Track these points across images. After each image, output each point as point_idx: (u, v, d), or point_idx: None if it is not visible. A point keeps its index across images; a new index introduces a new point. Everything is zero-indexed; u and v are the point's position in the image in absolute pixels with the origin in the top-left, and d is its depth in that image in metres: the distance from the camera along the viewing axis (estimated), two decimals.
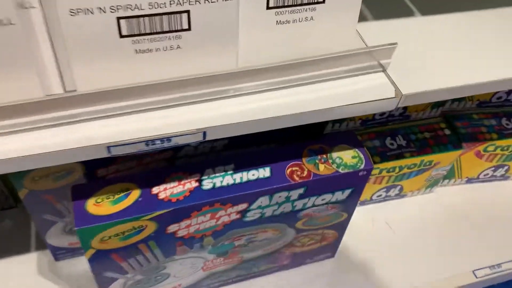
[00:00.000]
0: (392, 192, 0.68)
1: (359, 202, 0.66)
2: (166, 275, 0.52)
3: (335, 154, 0.49)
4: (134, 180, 0.45)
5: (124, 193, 0.43)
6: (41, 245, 0.60)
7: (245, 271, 0.58)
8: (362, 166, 0.48)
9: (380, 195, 0.68)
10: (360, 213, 0.68)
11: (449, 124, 0.67)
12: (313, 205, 0.51)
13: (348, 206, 0.53)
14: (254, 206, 0.47)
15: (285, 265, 0.61)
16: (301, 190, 0.47)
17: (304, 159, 0.48)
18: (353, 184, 0.50)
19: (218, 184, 0.45)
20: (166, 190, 0.44)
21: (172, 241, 0.47)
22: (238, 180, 0.46)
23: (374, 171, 0.62)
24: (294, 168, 0.47)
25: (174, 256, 0.50)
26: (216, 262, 0.54)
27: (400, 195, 0.70)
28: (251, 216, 0.48)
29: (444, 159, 0.65)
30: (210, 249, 0.51)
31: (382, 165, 0.61)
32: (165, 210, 0.43)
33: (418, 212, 0.70)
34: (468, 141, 0.66)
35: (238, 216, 0.47)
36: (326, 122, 0.58)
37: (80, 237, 0.41)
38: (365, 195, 0.67)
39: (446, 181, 0.73)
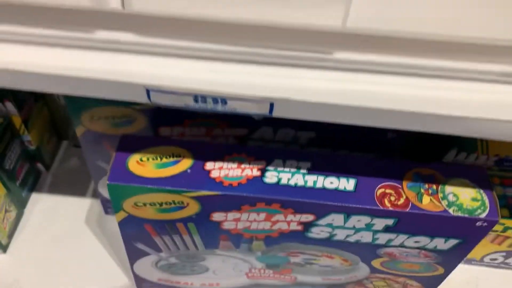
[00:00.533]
0: None
1: (464, 261, 0.52)
2: (205, 268, 0.45)
3: (449, 188, 0.37)
4: (190, 147, 0.37)
5: (173, 159, 0.36)
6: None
7: None
8: (484, 215, 0.35)
9: (495, 259, 0.53)
10: (461, 272, 0.54)
11: None
12: (401, 245, 0.39)
13: (448, 261, 0.40)
14: (322, 222, 0.37)
15: None
16: (389, 222, 0.36)
17: (405, 183, 0.37)
18: (463, 235, 0.37)
19: (284, 181, 0.36)
20: (221, 170, 0.36)
21: (215, 231, 0.39)
22: (310, 184, 0.36)
23: (497, 227, 0.47)
24: (388, 191, 0.36)
25: (216, 250, 0.42)
26: (264, 273, 0.45)
27: None
28: (316, 233, 0.38)
29: None
30: (259, 256, 0.42)
31: (510, 222, 0.46)
32: (213, 193, 0.35)
33: None
34: None
35: (300, 228, 0.38)
36: (449, 146, 0.45)
37: (111, 194, 0.36)
38: (474, 253, 0.52)
39: None
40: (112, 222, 0.55)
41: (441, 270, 0.42)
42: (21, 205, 0.54)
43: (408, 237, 0.37)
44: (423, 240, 0.38)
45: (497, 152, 0.47)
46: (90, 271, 0.51)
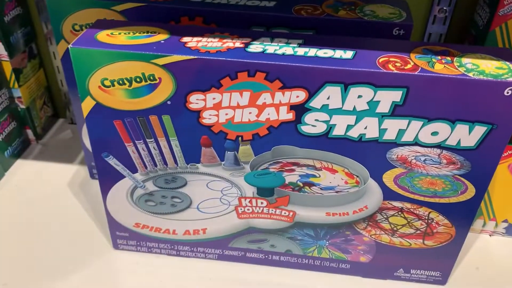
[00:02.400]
0: None
1: (506, 227, 0.43)
2: (187, 199, 0.38)
3: (467, 59, 0.31)
4: (170, 28, 0.34)
5: (148, 33, 0.33)
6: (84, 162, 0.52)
7: (299, 248, 0.40)
8: None
9: None
10: (504, 245, 0.44)
11: None
12: (416, 141, 0.32)
13: (479, 169, 0.32)
14: (316, 102, 0.31)
15: (363, 266, 0.40)
16: (397, 96, 0.30)
17: (413, 55, 0.31)
18: (490, 114, 0.30)
19: (270, 51, 0.31)
20: (199, 42, 0.32)
21: (195, 129, 0.33)
22: (300, 53, 0.31)
23: None
24: (392, 59, 0.31)
25: (198, 166, 0.36)
26: (256, 205, 0.37)
27: None
28: (311, 124, 0.32)
29: None
30: (249, 174, 0.36)
31: None
32: (187, 57, 0.30)
33: None
34: None
35: (291, 116, 0.32)
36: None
37: (75, 65, 0.31)
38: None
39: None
40: (97, 186, 0.50)
41: (471, 190, 0.34)
42: (2, 166, 0.50)
43: (422, 125, 0.31)
44: (442, 130, 0.31)
45: None
46: (67, 232, 0.44)
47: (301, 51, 0.31)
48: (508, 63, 0.30)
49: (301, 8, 0.38)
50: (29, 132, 0.54)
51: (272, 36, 0.33)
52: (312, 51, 0.31)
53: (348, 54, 0.31)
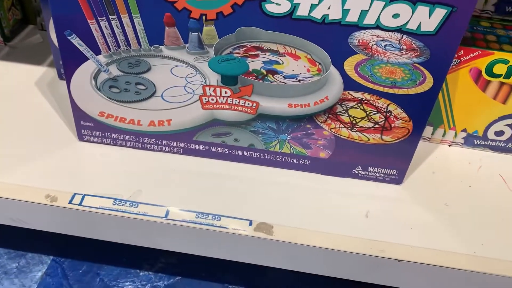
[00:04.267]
0: None
1: (465, 137, 0.44)
2: (151, 86, 0.38)
3: None
4: None
5: None
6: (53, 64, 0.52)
7: (262, 143, 0.40)
8: None
9: (501, 133, 0.44)
10: (461, 155, 0.46)
11: None
12: (378, 24, 0.32)
13: (437, 57, 0.33)
14: None
15: (322, 163, 0.41)
16: None
17: None
18: None
19: None
20: None
21: (158, 5, 0.32)
22: None
23: (499, 69, 0.39)
24: None
25: (162, 48, 0.36)
26: (220, 95, 0.38)
27: None
28: (275, 2, 0.32)
29: None
30: (213, 60, 0.36)
31: None
32: None
33: None
34: None
35: None
36: None
37: None
38: (477, 123, 0.44)
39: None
40: (65, 87, 0.49)
41: (429, 81, 0.35)
42: None
43: (384, 5, 0.31)
44: (403, 11, 0.31)
45: None
46: (34, 127, 0.44)
47: None
48: None
49: None
50: None
51: None
52: None
53: None
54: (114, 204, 0.37)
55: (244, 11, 0.33)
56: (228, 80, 0.37)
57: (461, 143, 0.46)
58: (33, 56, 0.53)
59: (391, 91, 0.36)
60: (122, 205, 0.37)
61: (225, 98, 0.38)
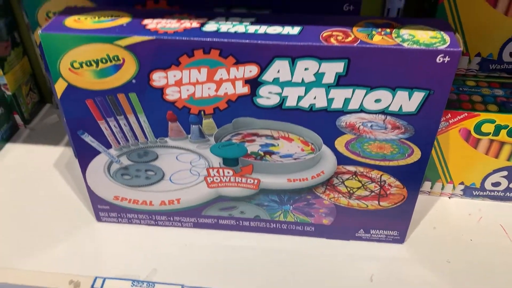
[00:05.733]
0: None
1: (463, 189, 0.46)
2: (159, 172, 0.41)
3: (405, 30, 0.33)
4: (131, 11, 0.36)
5: (112, 17, 0.35)
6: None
7: (267, 214, 0.43)
8: (444, 47, 0.31)
9: (498, 185, 0.46)
10: (461, 206, 0.47)
11: None
12: (362, 108, 0.35)
13: (421, 132, 0.35)
14: (268, 76, 0.33)
15: (326, 229, 0.43)
16: (339, 66, 0.32)
17: (355, 28, 0.34)
18: (426, 80, 0.32)
19: (223, 29, 0.34)
20: (158, 24, 0.34)
21: (160, 105, 0.36)
22: (251, 31, 0.33)
23: (487, 128, 0.42)
24: (335, 33, 0.33)
25: (167, 140, 0.39)
26: (223, 175, 0.40)
27: None
28: (265, 97, 0.35)
29: None
30: (214, 146, 0.38)
31: (500, 118, 0.41)
32: (146, 38, 0.33)
33: None
34: None
35: (246, 90, 0.35)
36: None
37: (46, 49, 0.34)
38: (473, 176, 0.45)
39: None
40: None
41: (417, 153, 0.37)
42: None
43: (366, 93, 0.34)
44: (384, 97, 0.34)
45: (478, 50, 0.44)
46: (54, 208, 0.47)
47: (252, 28, 0.34)
48: (442, 32, 0.33)
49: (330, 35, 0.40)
50: (17, 117, 0.57)
51: (227, 15, 0.35)
52: (262, 29, 0.34)
53: (295, 30, 0.33)
54: (132, 286, 0.40)
55: (238, 105, 0.35)
56: (229, 162, 0.40)
57: (461, 195, 0.47)
58: (51, 136, 0.57)
59: (382, 163, 0.38)
60: (140, 286, 0.40)
61: (228, 177, 0.41)
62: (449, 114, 0.41)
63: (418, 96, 0.33)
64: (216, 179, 0.41)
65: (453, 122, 0.42)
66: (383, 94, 0.34)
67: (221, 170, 0.40)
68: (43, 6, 0.41)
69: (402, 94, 0.33)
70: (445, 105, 0.34)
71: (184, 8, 0.41)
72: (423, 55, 0.31)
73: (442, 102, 0.34)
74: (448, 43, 0.31)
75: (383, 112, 0.35)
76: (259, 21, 0.35)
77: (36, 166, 0.53)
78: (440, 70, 0.32)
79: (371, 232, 0.43)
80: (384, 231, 0.43)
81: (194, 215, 0.44)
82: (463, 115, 0.41)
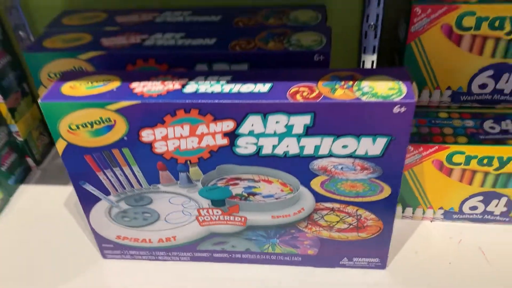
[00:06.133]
0: (496, 207, 0.48)
1: (443, 213, 0.48)
2: (155, 214, 0.45)
3: (366, 83, 0.36)
4: (121, 74, 0.40)
5: (103, 82, 0.39)
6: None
7: (256, 246, 0.46)
8: (399, 98, 0.34)
9: (475, 208, 0.48)
10: (442, 229, 0.50)
11: None
12: (331, 154, 0.38)
13: (389, 171, 0.38)
14: (244, 129, 0.37)
15: (312, 258, 0.46)
16: (306, 119, 0.36)
17: (320, 82, 0.37)
18: (387, 128, 0.36)
19: (202, 90, 0.37)
20: (144, 87, 0.38)
21: (151, 157, 0.40)
22: (226, 90, 0.37)
23: (459, 158, 0.44)
24: (301, 89, 0.36)
25: (159, 186, 0.42)
26: (213, 214, 0.44)
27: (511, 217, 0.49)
28: (243, 146, 0.38)
29: None
30: (202, 189, 0.42)
31: (469, 149, 0.44)
32: (133, 102, 0.37)
33: None
34: None
35: (226, 141, 0.38)
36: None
37: (46, 115, 0.38)
38: (451, 201, 0.48)
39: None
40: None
41: (387, 190, 0.40)
42: (7, 192, 0.58)
43: (333, 140, 0.37)
44: (350, 143, 0.37)
45: (448, 84, 0.46)
46: (64, 246, 0.52)
47: (227, 87, 0.37)
48: (400, 82, 0.36)
49: (237, 43, 0.44)
50: (30, 160, 0.62)
51: (206, 74, 0.39)
52: (236, 87, 0.37)
53: (266, 87, 0.37)
54: None
55: (220, 154, 0.39)
56: (217, 203, 0.43)
57: (441, 218, 0.50)
58: (61, 175, 0.62)
59: (356, 200, 0.41)
60: None
61: (217, 216, 0.44)
62: (422, 148, 0.44)
63: (381, 141, 0.36)
64: (207, 218, 0.44)
65: (426, 155, 0.45)
66: (349, 141, 0.37)
67: (210, 210, 0.44)
68: (44, 68, 0.46)
69: (366, 140, 0.37)
70: (407, 147, 0.37)
71: (170, 66, 0.45)
72: (380, 107, 0.34)
73: (404, 145, 0.37)
74: (404, 94, 0.35)
75: (351, 156, 0.38)
76: (234, 79, 0.38)
77: (48, 206, 0.58)
78: (398, 119, 0.35)
79: (354, 260, 0.46)
80: (366, 258, 0.46)
81: (190, 250, 0.48)
82: (434, 148, 0.44)
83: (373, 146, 0.37)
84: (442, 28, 0.43)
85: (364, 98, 0.35)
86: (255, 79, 0.38)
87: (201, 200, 0.43)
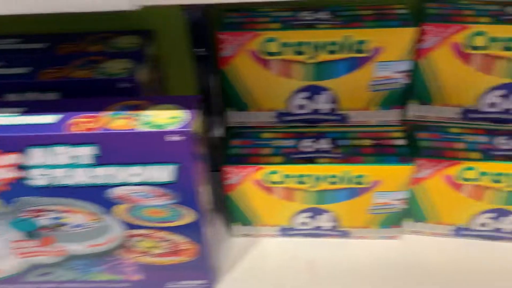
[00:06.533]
0: (324, 222, 0.49)
1: (281, 229, 0.49)
2: None
3: (151, 112, 0.37)
4: None
5: None
6: None
7: (82, 275, 0.45)
8: (172, 128, 0.35)
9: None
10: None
11: (409, 134, 0.48)
12: (124, 182, 0.38)
13: (185, 197, 0.39)
14: (32, 161, 0.36)
15: (139, 283, 0.46)
16: (91, 150, 0.36)
17: (106, 113, 0.37)
18: (167, 156, 0.36)
19: None
20: None
21: None
22: (15, 122, 0.37)
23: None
24: (84, 120, 0.37)
25: None
26: (29, 246, 0.43)
27: (339, 231, 0.50)
28: (37, 179, 0.38)
29: (384, 175, 0.45)
30: (11, 222, 0.41)
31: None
32: None
33: (361, 262, 0.49)
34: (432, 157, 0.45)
35: (20, 174, 0.38)
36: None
37: None
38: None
39: (420, 224, 0.51)
40: None
41: (191, 214, 0.40)
42: None
43: (122, 169, 0.37)
44: (140, 172, 0.37)
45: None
46: None
47: (16, 120, 0.37)
48: (186, 111, 0.37)
49: (48, 72, 0.44)
50: None
51: (5, 106, 0.39)
52: (27, 119, 0.37)
53: (55, 118, 0.37)
54: None
55: (18, 186, 0.39)
56: (30, 235, 0.42)
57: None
58: None
59: (164, 225, 0.41)
60: None
61: (35, 248, 0.43)
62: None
63: (169, 168, 0.37)
64: (24, 249, 0.44)
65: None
66: (138, 169, 0.37)
67: (25, 243, 0.43)
68: None
69: (154, 168, 0.37)
70: (197, 173, 0.38)
71: None
72: (152, 136, 0.35)
73: (193, 170, 0.37)
74: (182, 124, 0.35)
75: (145, 183, 0.38)
76: (28, 111, 0.38)
77: None
78: (176, 146, 0.36)
79: (181, 283, 0.46)
80: (193, 281, 0.46)
81: (16, 282, 0.46)
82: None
83: (161, 173, 0.37)
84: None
85: (141, 128, 0.35)
86: (47, 110, 0.38)
87: (11, 231, 0.42)
